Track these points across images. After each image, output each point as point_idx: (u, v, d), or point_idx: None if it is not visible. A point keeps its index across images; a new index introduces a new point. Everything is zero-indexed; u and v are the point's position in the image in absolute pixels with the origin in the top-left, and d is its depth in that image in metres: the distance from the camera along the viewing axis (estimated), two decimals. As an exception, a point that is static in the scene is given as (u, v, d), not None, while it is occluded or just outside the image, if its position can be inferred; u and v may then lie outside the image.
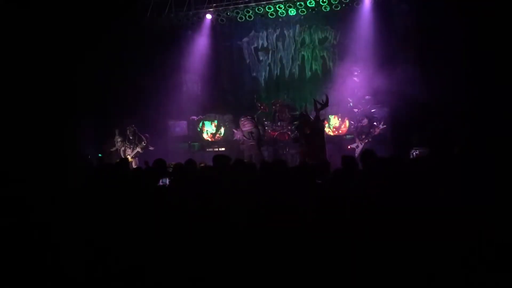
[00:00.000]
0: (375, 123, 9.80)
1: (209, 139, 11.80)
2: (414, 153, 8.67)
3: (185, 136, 11.95)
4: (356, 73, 10.93)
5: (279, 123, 11.08)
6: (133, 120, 10.64)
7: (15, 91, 8.55)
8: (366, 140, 9.68)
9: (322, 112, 8.96)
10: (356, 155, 9.09)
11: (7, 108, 8.39)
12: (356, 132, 10.12)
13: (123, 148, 9.86)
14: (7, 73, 8.49)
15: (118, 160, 8.69)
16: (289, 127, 10.74)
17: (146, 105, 11.07)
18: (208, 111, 12.11)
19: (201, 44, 12.15)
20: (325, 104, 8.72)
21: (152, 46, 11.56)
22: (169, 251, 3.04)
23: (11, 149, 7.58)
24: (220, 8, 11.39)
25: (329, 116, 10.84)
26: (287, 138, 10.81)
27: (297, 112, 10.50)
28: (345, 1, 10.75)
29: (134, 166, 9.32)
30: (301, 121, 8.90)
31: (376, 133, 9.68)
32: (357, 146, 9.85)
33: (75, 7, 9.33)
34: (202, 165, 5.91)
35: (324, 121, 9.18)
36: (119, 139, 9.90)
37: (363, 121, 9.89)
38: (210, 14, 11.60)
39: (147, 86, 11.23)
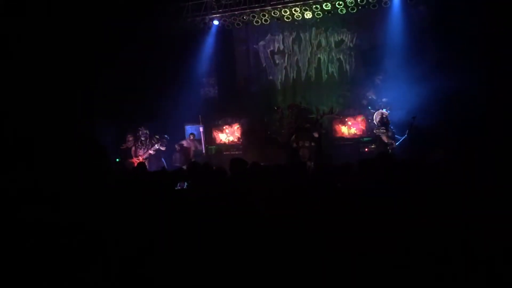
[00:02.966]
0: (391, 127, 9.77)
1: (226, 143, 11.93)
2: (431, 156, 8.58)
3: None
4: (380, 77, 10.90)
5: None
6: (151, 124, 10.79)
7: (37, 95, 8.74)
8: (383, 129, 9.64)
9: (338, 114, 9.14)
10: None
11: (27, 110, 8.59)
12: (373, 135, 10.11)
13: (133, 148, 9.96)
14: (30, 77, 8.69)
15: (136, 164, 8.85)
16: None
17: (164, 109, 11.20)
18: (224, 115, 12.20)
19: (217, 48, 12.23)
20: (330, 113, 9.18)
21: (169, 50, 11.69)
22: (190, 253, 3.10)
23: (31, 151, 7.74)
24: (237, 12, 11.47)
25: (347, 121, 10.87)
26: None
27: (313, 115, 10.52)
28: (361, 4, 10.70)
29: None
30: (312, 125, 9.11)
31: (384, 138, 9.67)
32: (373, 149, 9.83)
33: (96, 13, 9.51)
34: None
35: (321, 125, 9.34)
36: (130, 138, 10.01)
37: (376, 117, 9.92)
38: (218, 20, 11.67)
39: (164, 90, 11.37)
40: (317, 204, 3.32)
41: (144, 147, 9.98)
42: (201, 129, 11.53)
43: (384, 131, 9.57)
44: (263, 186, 4.03)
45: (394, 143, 9.49)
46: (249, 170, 4.74)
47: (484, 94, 9.14)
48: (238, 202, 3.50)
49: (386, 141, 9.53)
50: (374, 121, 9.99)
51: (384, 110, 9.93)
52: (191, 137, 11.57)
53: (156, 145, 9.93)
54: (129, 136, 10.05)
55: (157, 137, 9.97)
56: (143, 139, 9.98)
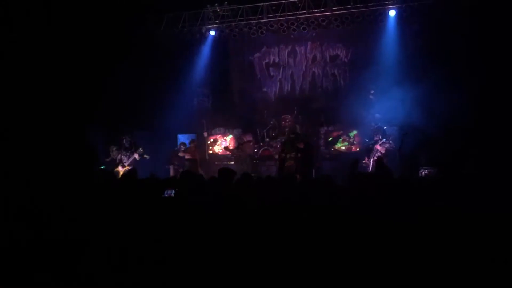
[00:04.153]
0: (384, 140, 9.78)
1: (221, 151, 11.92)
2: (423, 172, 8.62)
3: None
4: (372, 92, 10.97)
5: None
6: (144, 133, 10.74)
7: (30, 99, 8.73)
8: (375, 158, 9.64)
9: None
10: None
11: (24, 117, 8.59)
12: (367, 149, 10.09)
13: (119, 157, 9.89)
14: (24, 81, 8.68)
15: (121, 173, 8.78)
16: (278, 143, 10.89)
17: (157, 118, 11.17)
18: (217, 125, 12.19)
19: (213, 58, 12.26)
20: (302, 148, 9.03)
21: (164, 60, 11.70)
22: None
23: (24, 155, 7.74)
24: (233, 24, 11.52)
25: (340, 136, 10.93)
26: (268, 153, 11.15)
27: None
28: (357, 20, 10.80)
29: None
30: (296, 135, 9.20)
31: (383, 151, 9.66)
32: (366, 164, 9.81)
33: (92, 20, 9.52)
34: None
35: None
36: (114, 148, 9.94)
37: (376, 139, 9.87)
38: (214, 30, 11.72)
39: (158, 99, 11.34)
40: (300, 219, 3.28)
41: (128, 153, 9.89)
42: (205, 134, 11.42)
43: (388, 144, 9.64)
44: (252, 197, 4.01)
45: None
46: (238, 181, 4.71)
47: (477, 111, 9.22)
48: (227, 211, 3.47)
49: (383, 151, 9.54)
50: (375, 137, 9.96)
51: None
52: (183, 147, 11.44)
53: (141, 148, 9.83)
54: (112, 147, 9.97)
55: (141, 150, 9.90)
56: (127, 146, 9.90)
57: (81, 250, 3.19)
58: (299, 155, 8.86)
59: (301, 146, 8.87)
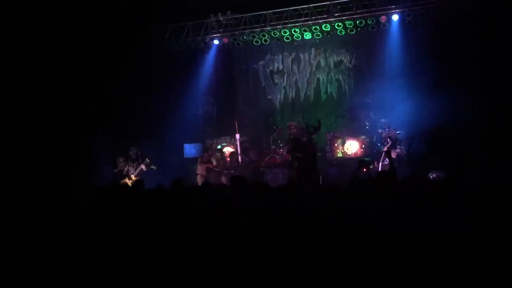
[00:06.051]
0: (397, 145, 9.74)
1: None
2: (431, 176, 8.56)
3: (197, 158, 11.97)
4: (370, 96, 10.97)
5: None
6: (150, 142, 10.76)
7: (36, 106, 8.83)
8: (384, 162, 9.59)
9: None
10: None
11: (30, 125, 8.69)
12: (377, 154, 10.05)
13: (126, 168, 9.91)
14: (31, 89, 8.79)
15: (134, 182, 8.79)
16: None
17: (162, 128, 11.18)
18: (223, 133, 12.19)
19: (217, 67, 12.30)
20: (318, 129, 8.90)
21: (169, 69, 11.76)
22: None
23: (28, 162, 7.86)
24: (237, 32, 11.57)
25: (346, 141, 10.88)
26: (274, 161, 11.06)
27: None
28: (360, 25, 10.83)
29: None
30: (293, 145, 8.97)
31: (394, 156, 9.60)
32: (376, 168, 9.75)
33: (97, 29, 9.62)
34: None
35: (315, 145, 9.17)
36: (121, 160, 9.95)
37: (387, 143, 9.82)
38: (218, 39, 11.78)
39: (163, 109, 11.38)
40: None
41: (134, 164, 9.90)
42: (237, 136, 11.33)
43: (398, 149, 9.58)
44: (262, 204, 3.99)
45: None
46: (248, 188, 4.70)
47: (481, 114, 9.19)
48: (236, 218, 3.46)
49: (394, 156, 9.46)
50: (386, 141, 9.89)
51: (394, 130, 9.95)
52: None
53: (147, 159, 9.83)
54: (120, 158, 9.99)
55: (148, 160, 9.90)
56: (133, 157, 9.92)
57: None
58: (296, 165, 8.74)
59: (300, 155, 8.74)
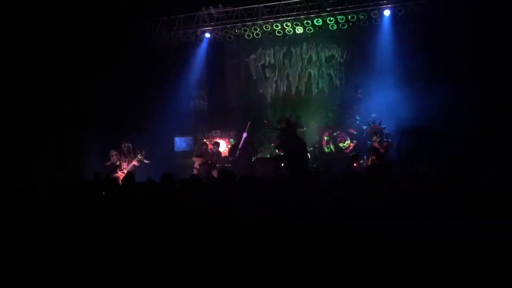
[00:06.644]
0: (385, 139, 9.75)
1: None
2: (420, 171, 8.59)
3: (192, 152, 11.94)
4: (359, 91, 10.98)
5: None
6: (140, 135, 10.69)
7: (25, 101, 8.75)
8: (373, 157, 9.60)
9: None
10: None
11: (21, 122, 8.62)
12: (367, 149, 10.05)
13: (118, 163, 9.86)
14: (20, 84, 8.70)
15: (124, 175, 8.74)
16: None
17: (153, 121, 11.13)
18: (214, 127, 12.15)
19: (208, 60, 12.25)
20: (287, 129, 8.52)
21: (160, 62, 11.70)
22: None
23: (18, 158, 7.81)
24: (228, 26, 11.52)
25: (336, 135, 10.89)
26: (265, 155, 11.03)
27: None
28: (352, 20, 10.83)
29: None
30: (282, 140, 8.83)
31: (382, 150, 9.61)
32: (366, 164, 9.76)
33: (87, 23, 9.52)
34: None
35: (303, 140, 8.98)
36: (114, 153, 9.90)
37: (373, 139, 9.82)
38: (209, 33, 11.72)
39: (154, 102, 11.32)
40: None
41: (127, 159, 9.85)
42: (244, 134, 11.24)
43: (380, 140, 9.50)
44: (253, 198, 3.98)
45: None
46: (238, 182, 4.69)
47: (474, 109, 9.24)
48: (227, 212, 3.45)
49: (382, 151, 9.46)
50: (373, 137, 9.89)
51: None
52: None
53: (139, 155, 9.79)
54: (112, 151, 9.93)
55: (143, 153, 9.84)
56: (125, 151, 9.87)
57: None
58: (285, 159, 8.70)
59: (281, 152, 8.69)
